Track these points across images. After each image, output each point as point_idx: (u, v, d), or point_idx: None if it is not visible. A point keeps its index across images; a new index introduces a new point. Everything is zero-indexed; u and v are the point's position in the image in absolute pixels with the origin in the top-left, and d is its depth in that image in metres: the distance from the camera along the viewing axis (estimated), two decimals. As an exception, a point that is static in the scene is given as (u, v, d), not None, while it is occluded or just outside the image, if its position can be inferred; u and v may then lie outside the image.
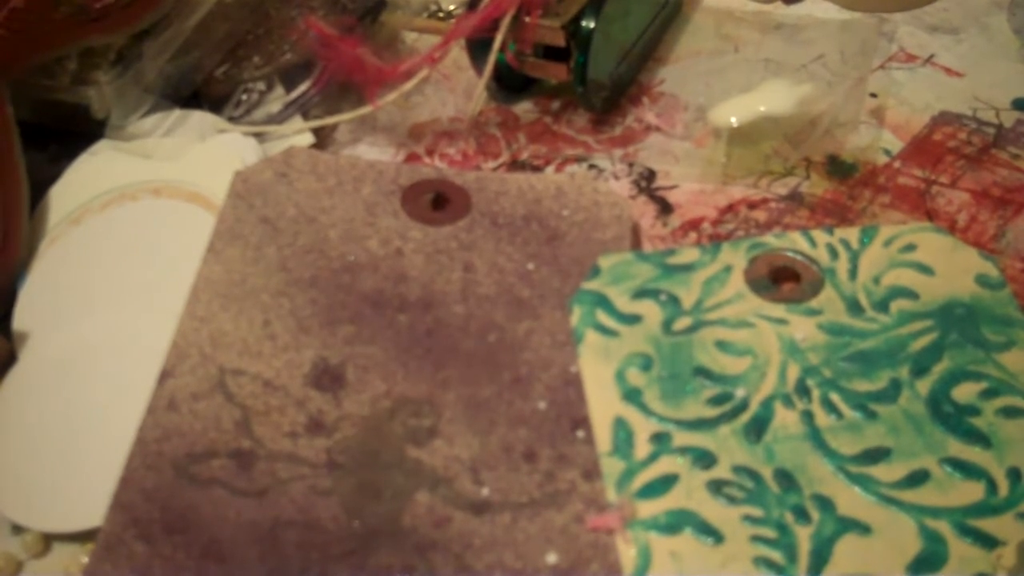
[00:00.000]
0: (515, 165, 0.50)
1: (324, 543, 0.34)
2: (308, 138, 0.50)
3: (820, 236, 0.42)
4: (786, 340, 0.38)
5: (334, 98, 0.52)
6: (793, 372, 0.37)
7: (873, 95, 0.52)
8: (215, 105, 0.50)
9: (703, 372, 0.38)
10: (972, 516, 0.33)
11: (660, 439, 0.36)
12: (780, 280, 0.41)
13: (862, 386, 0.37)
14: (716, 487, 0.35)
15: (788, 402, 0.37)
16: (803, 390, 0.37)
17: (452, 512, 0.35)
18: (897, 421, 0.36)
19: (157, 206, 0.46)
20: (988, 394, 0.36)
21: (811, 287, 0.40)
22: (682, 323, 0.39)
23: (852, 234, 0.42)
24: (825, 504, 0.34)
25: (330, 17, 0.51)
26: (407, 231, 0.44)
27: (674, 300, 0.40)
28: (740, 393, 0.37)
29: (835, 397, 0.37)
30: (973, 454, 0.35)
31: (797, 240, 0.42)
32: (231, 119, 0.50)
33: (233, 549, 0.34)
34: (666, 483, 0.35)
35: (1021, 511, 0.34)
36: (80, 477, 0.38)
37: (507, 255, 0.43)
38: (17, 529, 0.38)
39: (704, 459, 0.35)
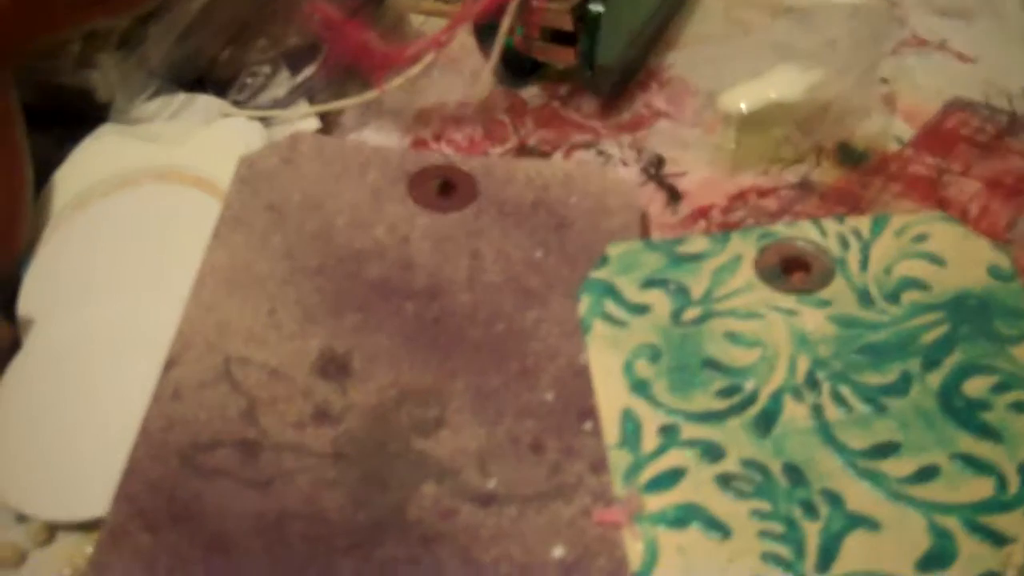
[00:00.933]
0: (522, 151, 0.49)
1: (330, 534, 0.34)
2: (314, 123, 0.49)
3: (831, 225, 0.41)
4: (796, 332, 0.38)
5: (340, 82, 0.51)
6: (803, 364, 0.37)
7: (884, 81, 0.51)
8: (220, 89, 0.50)
9: (712, 364, 0.37)
10: (982, 513, 0.33)
11: (668, 432, 0.36)
12: (790, 270, 0.40)
13: (872, 379, 0.37)
14: (724, 481, 0.34)
15: (798, 395, 0.36)
16: (813, 383, 0.37)
17: (458, 504, 0.35)
18: (907, 415, 0.36)
19: (162, 191, 0.45)
20: (1000, 388, 0.36)
21: (821, 277, 0.40)
22: (691, 313, 0.39)
23: (863, 223, 0.41)
24: (834, 499, 0.34)
25: (336, 0, 0.51)
26: (414, 218, 0.43)
27: (683, 290, 0.40)
28: (749, 385, 0.37)
29: (845, 390, 0.36)
30: (984, 449, 0.35)
31: (807, 229, 0.41)
32: (236, 103, 0.49)
33: (238, 539, 0.34)
34: (674, 476, 0.35)
35: (1032, 507, 0.33)
36: (85, 466, 0.37)
37: (515, 242, 0.42)
38: (21, 518, 0.38)
39: (712, 452, 0.35)
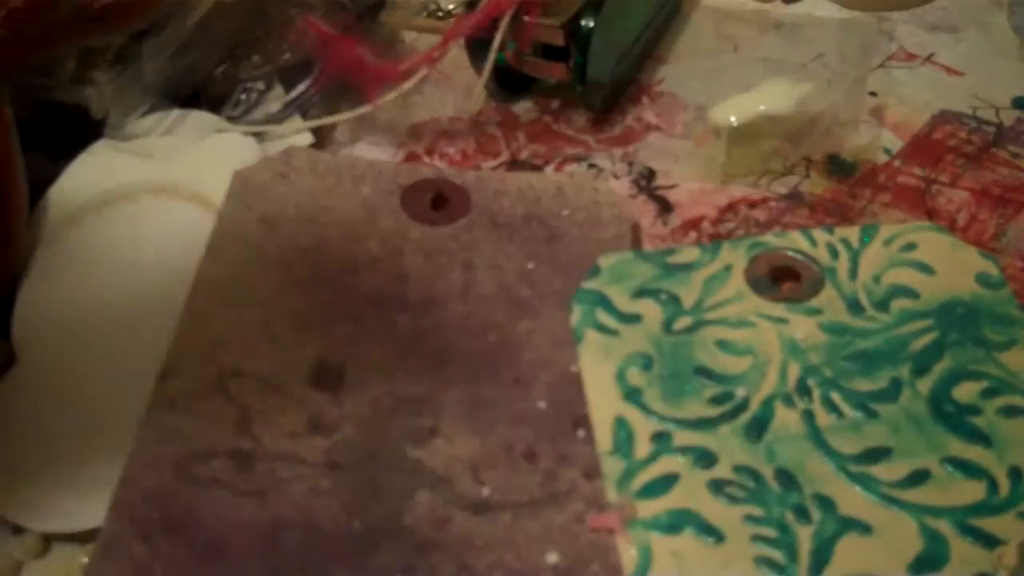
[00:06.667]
0: (515, 164, 0.50)
1: (324, 543, 0.34)
2: (307, 138, 0.50)
3: (820, 235, 0.42)
4: (787, 339, 0.38)
5: (333, 97, 0.52)
6: (794, 371, 0.37)
7: (873, 94, 0.52)
8: (214, 105, 0.50)
9: (703, 371, 0.38)
10: (973, 515, 0.33)
11: (660, 438, 0.36)
12: (780, 279, 0.41)
13: (863, 385, 0.37)
14: (717, 486, 0.34)
15: (789, 401, 0.37)
16: (804, 389, 0.37)
17: (452, 512, 0.35)
18: (898, 420, 0.36)
19: (156, 206, 0.46)
20: (989, 393, 0.36)
21: (811, 286, 0.40)
22: (682, 322, 0.39)
23: (852, 233, 0.42)
24: (826, 504, 0.34)
25: (329, 16, 0.51)
26: (407, 230, 0.43)
27: (674, 299, 0.40)
28: (741, 392, 0.37)
29: (836, 396, 0.37)
30: (974, 453, 0.35)
31: (797, 239, 0.42)
32: (230, 119, 0.50)
33: (233, 549, 0.34)
34: (667, 483, 0.35)
35: (1022, 510, 0.34)
36: (80, 477, 0.38)
37: (507, 254, 0.43)
38: (17, 530, 0.38)
39: (705, 458, 0.35)
